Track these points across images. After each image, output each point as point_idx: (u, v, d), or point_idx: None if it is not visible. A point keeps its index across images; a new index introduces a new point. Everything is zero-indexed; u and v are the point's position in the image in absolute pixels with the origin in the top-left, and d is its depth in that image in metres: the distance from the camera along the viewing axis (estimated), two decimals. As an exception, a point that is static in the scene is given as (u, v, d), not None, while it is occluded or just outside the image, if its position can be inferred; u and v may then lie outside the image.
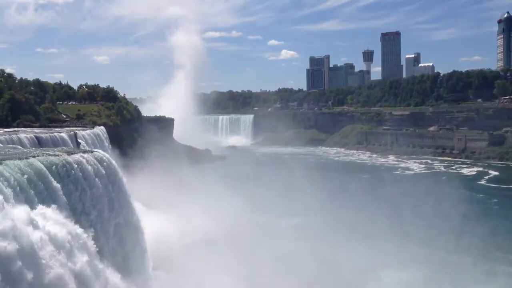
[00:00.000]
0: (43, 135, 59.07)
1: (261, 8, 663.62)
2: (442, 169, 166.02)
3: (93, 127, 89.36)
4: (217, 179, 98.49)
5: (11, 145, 48.74)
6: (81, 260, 29.27)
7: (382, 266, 60.75)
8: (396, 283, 56.80)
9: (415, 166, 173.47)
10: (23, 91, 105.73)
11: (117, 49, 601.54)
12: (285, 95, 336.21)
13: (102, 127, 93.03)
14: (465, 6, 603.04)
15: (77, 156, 35.59)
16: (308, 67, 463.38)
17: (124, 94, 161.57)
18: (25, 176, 28.24)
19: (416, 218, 75.03)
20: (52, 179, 30.47)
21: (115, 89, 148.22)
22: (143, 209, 63.30)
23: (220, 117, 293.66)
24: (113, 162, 40.62)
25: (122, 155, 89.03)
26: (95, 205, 35.25)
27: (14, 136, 54.43)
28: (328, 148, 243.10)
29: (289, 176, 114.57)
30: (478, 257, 65.71)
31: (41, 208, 28.08)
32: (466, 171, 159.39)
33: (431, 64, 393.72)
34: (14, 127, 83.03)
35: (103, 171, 37.62)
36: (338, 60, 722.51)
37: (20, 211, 25.87)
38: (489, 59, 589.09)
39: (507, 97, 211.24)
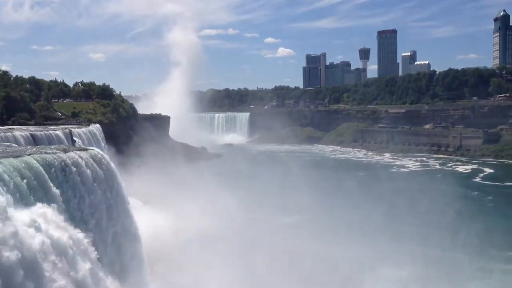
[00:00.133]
0: (38, 133, 58.69)
1: (257, 6, 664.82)
2: (437, 166, 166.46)
3: (89, 125, 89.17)
4: (212, 177, 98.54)
5: (6, 143, 48.45)
6: (84, 267, 28.83)
7: (379, 263, 60.85)
8: (393, 280, 56.91)
9: (410, 163, 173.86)
10: (18, 89, 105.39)
11: (113, 46, 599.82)
12: (282, 93, 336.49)
13: (98, 125, 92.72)
14: (463, 4, 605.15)
15: (76, 157, 34.83)
16: (304, 65, 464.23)
17: (120, 92, 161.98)
18: (25, 181, 27.60)
19: (412, 216, 75.22)
20: (52, 185, 29.85)
21: (110, 86, 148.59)
22: (140, 204, 63.18)
23: (216, 115, 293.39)
24: (112, 165, 40.09)
25: (117, 153, 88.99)
26: (93, 213, 34.78)
27: (9, 133, 54.01)
28: (324, 146, 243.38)
29: (285, 174, 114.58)
30: (474, 255, 65.93)
31: (40, 208, 27.62)
32: (461, 168, 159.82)
33: (427, 62, 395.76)
34: (9, 125, 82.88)
35: (102, 176, 36.98)
36: (334, 58, 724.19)
37: (22, 216, 25.47)
38: (485, 57, 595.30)
39: (503, 95, 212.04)
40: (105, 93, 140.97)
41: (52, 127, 76.21)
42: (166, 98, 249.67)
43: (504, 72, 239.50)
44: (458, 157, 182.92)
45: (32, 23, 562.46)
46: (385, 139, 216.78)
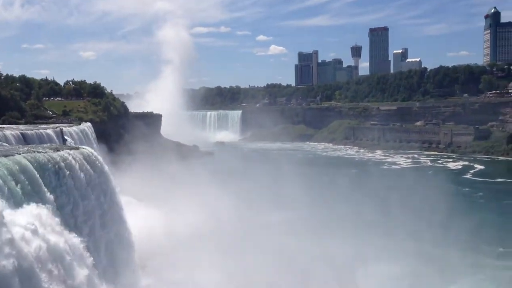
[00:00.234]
0: (28, 132, 58.31)
1: (249, 4, 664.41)
2: (429, 163, 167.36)
3: (80, 124, 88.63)
4: (204, 175, 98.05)
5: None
6: (81, 274, 28.54)
7: (371, 259, 61.03)
8: (385, 276, 57.09)
9: (401, 160, 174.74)
10: (8, 88, 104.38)
11: (104, 44, 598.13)
12: (274, 91, 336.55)
13: (89, 124, 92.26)
14: (455, 1, 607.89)
15: (69, 158, 34.47)
16: (296, 62, 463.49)
17: (111, 90, 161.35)
18: (19, 186, 27.24)
19: (404, 212, 75.36)
20: (46, 189, 29.48)
21: (102, 85, 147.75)
22: (131, 201, 62.92)
23: (208, 113, 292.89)
24: (105, 167, 39.78)
25: (109, 151, 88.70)
26: (87, 220, 34.50)
27: (-1, 132, 53.72)
28: (316, 143, 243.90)
29: (277, 171, 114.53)
30: (465, 250, 66.40)
31: (35, 209, 27.29)
32: (452, 165, 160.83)
33: (418, 59, 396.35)
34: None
35: (96, 180, 36.70)
36: (326, 55, 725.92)
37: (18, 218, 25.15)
38: (476, 54, 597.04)
39: (493, 92, 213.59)
40: (96, 91, 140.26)
41: (43, 126, 75.69)
42: (157, 96, 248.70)
43: (494, 69, 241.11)
44: (449, 154, 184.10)
45: (22, 21, 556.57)
46: (376, 136, 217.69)
